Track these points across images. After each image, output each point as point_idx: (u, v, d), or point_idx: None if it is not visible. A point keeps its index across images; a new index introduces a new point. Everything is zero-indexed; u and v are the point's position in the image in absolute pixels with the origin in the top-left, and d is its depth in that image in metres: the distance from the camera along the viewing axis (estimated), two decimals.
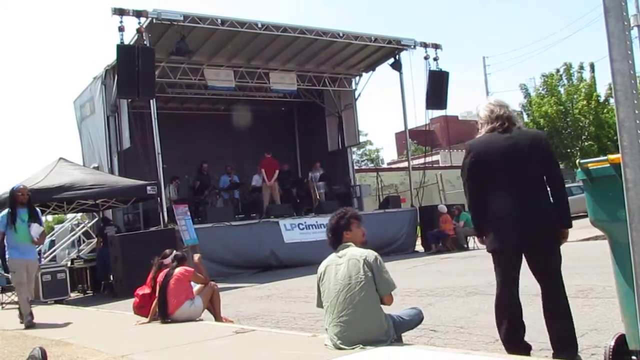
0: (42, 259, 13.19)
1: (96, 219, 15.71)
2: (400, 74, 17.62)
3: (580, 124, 28.64)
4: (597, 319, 4.78)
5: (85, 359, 4.85)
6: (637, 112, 2.47)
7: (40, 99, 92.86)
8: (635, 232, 2.49)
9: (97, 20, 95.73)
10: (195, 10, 22.19)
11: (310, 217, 15.46)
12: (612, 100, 26.04)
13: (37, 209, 7.94)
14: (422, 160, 21.22)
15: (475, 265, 10.31)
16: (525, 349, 3.65)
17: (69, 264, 14.55)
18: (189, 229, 12.62)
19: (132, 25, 13.00)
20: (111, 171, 14.89)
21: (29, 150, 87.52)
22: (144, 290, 7.07)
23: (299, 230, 14.85)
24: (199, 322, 6.30)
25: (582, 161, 3.32)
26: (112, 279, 12.84)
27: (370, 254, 4.04)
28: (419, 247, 17.10)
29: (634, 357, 3.13)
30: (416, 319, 4.29)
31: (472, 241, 15.23)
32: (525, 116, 30.43)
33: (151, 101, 13.34)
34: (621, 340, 3.19)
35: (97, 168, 15.20)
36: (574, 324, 3.59)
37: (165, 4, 14.66)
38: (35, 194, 9.25)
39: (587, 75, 29.49)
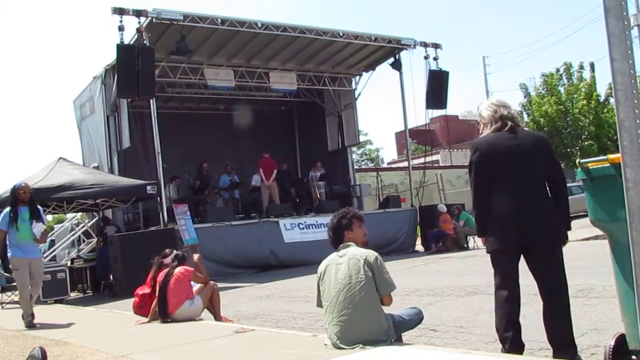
0: (42, 259, 13.15)
1: (96, 218, 15.71)
2: (400, 73, 17.63)
3: (581, 124, 28.62)
4: (597, 319, 4.78)
5: (85, 358, 4.85)
6: (637, 111, 2.46)
7: (40, 99, 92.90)
8: (635, 231, 2.49)
9: (97, 20, 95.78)
10: (195, 9, 22.25)
11: (310, 217, 15.46)
12: (612, 100, 26.02)
13: (40, 207, 7.82)
14: (422, 160, 21.23)
15: (475, 265, 10.31)
16: (521, 349, 3.66)
17: (68, 263, 14.54)
18: (189, 229, 12.62)
19: (132, 24, 13.02)
20: (111, 171, 14.90)
21: (28, 149, 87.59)
22: (144, 290, 7.07)
23: (299, 230, 14.85)
24: (199, 322, 6.30)
25: (582, 161, 3.32)
26: (112, 278, 12.84)
27: (371, 254, 4.05)
28: (418, 246, 17.10)
29: (634, 357, 3.13)
30: (416, 319, 4.29)
31: (472, 241, 15.24)
32: (525, 116, 30.38)
33: (151, 101, 13.34)
34: (621, 340, 3.19)
35: (97, 168, 15.20)
36: (572, 324, 3.60)
37: (165, 4, 14.69)
38: (35, 194, 9.17)
39: (587, 74, 29.48)
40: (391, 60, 17.80)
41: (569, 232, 3.71)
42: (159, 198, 13.00)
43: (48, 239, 16.10)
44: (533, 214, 3.61)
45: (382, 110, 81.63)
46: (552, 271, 3.62)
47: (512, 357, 3.51)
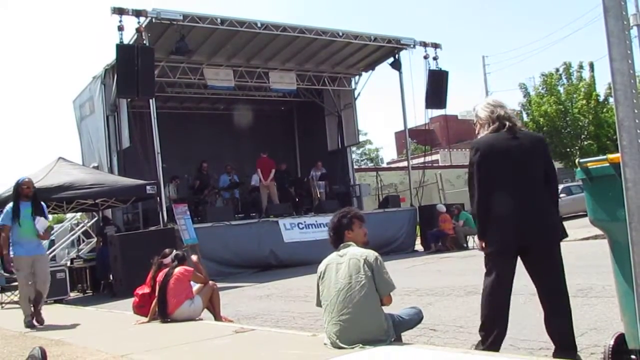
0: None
1: (96, 218, 15.71)
2: (400, 73, 17.64)
3: (580, 123, 28.63)
4: (597, 318, 4.78)
5: (85, 358, 4.85)
6: (636, 111, 2.47)
7: (39, 99, 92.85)
8: (634, 231, 2.49)
9: (96, 20, 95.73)
10: (194, 9, 22.26)
11: (310, 217, 15.46)
12: (611, 100, 26.08)
13: (43, 203, 7.61)
14: (421, 160, 21.24)
15: (474, 265, 10.27)
16: (498, 348, 3.66)
17: (68, 263, 14.54)
18: (189, 229, 12.63)
19: (131, 24, 13.03)
20: (111, 171, 14.90)
21: (28, 149, 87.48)
22: (144, 289, 7.07)
23: (299, 230, 14.86)
24: (199, 322, 6.30)
25: (581, 160, 3.32)
26: (111, 278, 12.84)
27: (371, 254, 4.05)
28: (418, 246, 17.09)
29: (633, 357, 3.14)
30: (416, 319, 4.29)
31: (472, 240, 15.23)
32: (524, 115, 30.40)
33: (151, 101, 13.34)
34: (620, 340, 3.19)
35: (96, 167, 15.21)
36: (573, 324, 3.60)
37: (164, 4, 14.67)
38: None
39: (586, 74, 29.48)
40: (391, 60, 17.81)
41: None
42: (158, 198, 13.00)
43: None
44: (533, 214, 3.62)
45: (382, 110, 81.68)
46: (552, 271, 3.63)
47: (512, 357, 3.51)
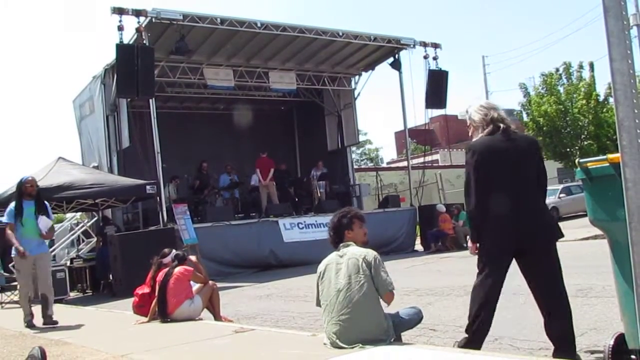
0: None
1: (95, 218, 15.71)
2: (400, 73, 17.65)
3: (580, 123, 28.61)
4: (597, 318, 4.79)
5: (85, 358, 4.85)
6: (636, 111, 2.46)
7: (39, 98, 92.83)
8: (634, 231, 2.49)
9: (96, 20, 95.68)
10: (194, 9, 22.27)
11: (310, 217, 15.47)
12: (611, 100, 26.06)
13: (46, 202, 7.50)
14: (421, 160, 21.23)
15: (474, 265, 10.24)
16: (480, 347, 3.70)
17: (68, 263, 14.54)
18: (189, 229, 12.63)
19: (131, 24, 13.02)
20: (110, 170, 14.90)
21: (28, 149, 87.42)
22: (144, 289, 7.07)
23: (299, 230, 14.86)
24: (199, 322, 6.30)
25: (581, 160, 3.33)
26: (111, 278, 12.84)
27: (370, 254, 4.06)
28: (418, 246, 17.10)
29: (633, 357, 3.14)
30: (415, 318, 4.30)
31: None
32: (524, 115, 30.41)
33: (150, 100, 13.34)
34: (620, 340, 3.19)
35: (96, 167, 15.21)
36: (573, 324, 3.60)
37: (164, 3, 14.66)
38: None
39: (586, 74, 29.45)
40: (391, 59, 17.81)
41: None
42: (158, 198, 13.00)
43: None
44: (530, 214, 3.65)
45: (382, 110, 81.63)
46: (550, 272, 3.64)
47: (512, 357, 3.51)
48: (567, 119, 28.80)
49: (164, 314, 6.31)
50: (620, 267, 3.13)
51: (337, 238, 4.25)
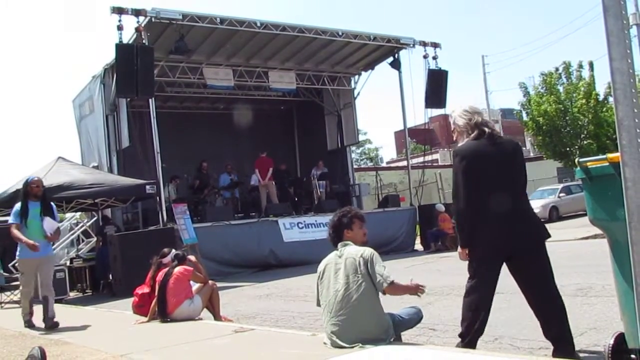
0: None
1: (95, 218, 15.70)
2: (400, 72, 17.65)
3: (580, 123, 28.60)
4: (597, 318, 4.79)
5: (85, 358, 4.85)
6: (636, 110, 2.46)
7: (39, 98, 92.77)
8: (634, 230, 2.49)
9: (96, 20, 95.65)
10: (194, 9, 22.23)
11: (310, 216, 15.47)
12: (611, 99, 26.03)
13: (52, 203, 7.35)
14: (421, 159, 21.22)
15: None
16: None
17: (68, 263, 14.52)
18: (188, 228, 12.62)
19: (131, 24, 13.01)
20: (110, 170, 14.89)
21: (27, 149, 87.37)
22: (143, 289, 7.07)
23: (298, 229, 14.86)
24: (198, 321, 6.30)
25: (581, 160, 3.33)
26: (111, 278, 12.83)
27: (367, 251, 4.07)
28: (418, 246, 17.10)
29: (633, 356, 3.14)
30: (415, 318, 4.30)
31: None
32: (524, 115, 30.41)
33: (150, 100, 13.33)
34: (620, 339, 3.19)
35: (96, 167, 15.20)
36: (569, 325, 3.62)
37: (164, 3, 14.66)
38: None
39: (586, 74, 29.43)
40: (390, 59, 17.80)
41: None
42: (158, 197, 12.99)
43: None
44: (520, 216, 3.69)
45: (381, 110, 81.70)
46: (541, 272, 3.67)
47: (512, 357, 3.51)
48: (567, 118, 28.79)
49: (164, 314, 6.31)
50: (620, 266, 3.13)
51: (337, 237, 4.26)
